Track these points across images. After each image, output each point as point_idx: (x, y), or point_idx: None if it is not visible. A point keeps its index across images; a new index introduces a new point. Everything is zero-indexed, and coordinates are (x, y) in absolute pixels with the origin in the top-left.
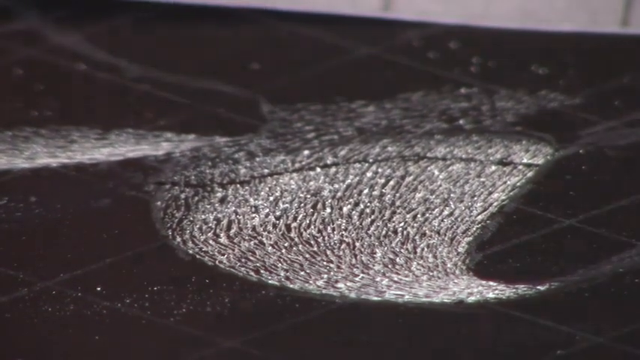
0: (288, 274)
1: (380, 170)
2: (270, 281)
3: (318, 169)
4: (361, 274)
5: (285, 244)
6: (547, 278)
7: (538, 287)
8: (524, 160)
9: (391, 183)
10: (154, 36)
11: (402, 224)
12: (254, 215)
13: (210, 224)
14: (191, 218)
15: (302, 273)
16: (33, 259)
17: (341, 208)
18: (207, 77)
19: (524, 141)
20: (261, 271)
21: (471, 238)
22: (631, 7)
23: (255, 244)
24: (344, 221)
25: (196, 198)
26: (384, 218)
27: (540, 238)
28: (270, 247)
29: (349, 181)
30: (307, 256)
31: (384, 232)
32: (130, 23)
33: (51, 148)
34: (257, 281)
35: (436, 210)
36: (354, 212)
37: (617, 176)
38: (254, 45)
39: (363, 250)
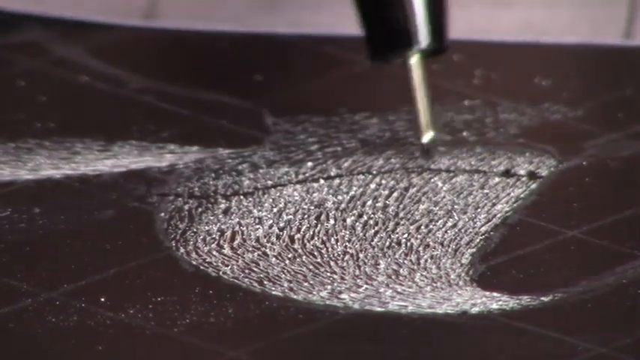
0: (291, 285)
1: (383, 182)
2: (273, 292)
3: (322, 181)
4: (365, 285)
5: (289, 256)
6: (550, 289)
7: (541, 298)
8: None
9: (395, 194)
10: (156, 47)
11: (405, 235)
12: (258, 226)
13: (213, 235)
14: (195, 229)
15: (305, 284)
16: (36, 270)
17: (344, 220)
18: (210, 89)
19: (527, 153)
20: (265, 282)
21: (474, 250)
22: (634, 20)
23: (258, 255)
24: (347, 232)
25: (200, 209)
26: (388, 229)
27: (544, 250)
28: (274, 258)
29: (353, 192)
30: (311, 267)
31: (387, 243)
32: (133, 35)
33: (54, 160)
34: (261, 292)
35: (440, 221)
36: (357, 224)
37: (620, 188)
38: (257, 56)
39: (366, 261)
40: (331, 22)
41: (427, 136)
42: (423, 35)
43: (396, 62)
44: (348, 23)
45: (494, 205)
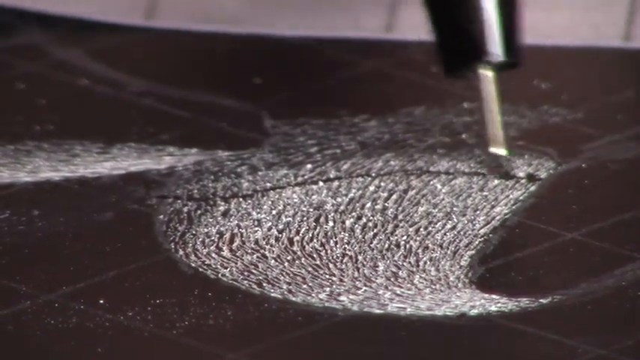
0: (290, 287)
1: (382, 184)
2: (272, 294)
3: (321, 183)
4: (364, 287)
5: (288, 258)
6: (549, 291)
7: (540, 300)
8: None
9: (394, 197)
10: (156, 50)
11: (404, 238)
12: (256, 229)
13: (212, 237)
14: (193, 232)
15: (304, 286)
16: (35, 272)
17: (343, 222)
18: (209, 91)
19: (526, 155)
20: (264, 284)
21: (473, 252)
22: (633, 22)
23: (257, 257)
24: (346, 235)
25: (199, 211)
26: (387, 232)
27: (543, 252)
28: (273, 261)
29: (352, 194)
30: (310, 269)
31: (386, 245)
32: (132, 38)
33: (53, 162)
34: (260, 294)
35: (439, 224)
36: (356, 226)
37: (620, 190)
38: (257, 58)
39: (365, 263)
40: (332, 24)
41: (500, 150)
42: (497, 49)
43: (470, 76)
44: (348, 25)
45: (493, 207)
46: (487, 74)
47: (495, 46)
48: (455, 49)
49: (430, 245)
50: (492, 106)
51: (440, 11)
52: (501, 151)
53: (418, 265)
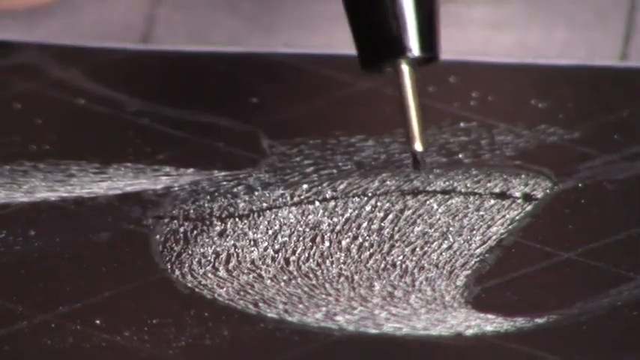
0: (286, 307)
1: (379, 204)
2: (268, 314)
3: (317, 203)
4: (360, 307)
5: (284, 278)
6: (545, 311)
7: (536, 320)
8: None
9: (390, 217)
10: (153, 70)
11: (400, 257)
12: (253, 249)
13: (208, 258)
14: (190, 252)
15: (300, 306)
16: (32, 293)
17: (340, 242)
18: (206, 111)
19: (523, 175)
20: (260, 304)
21: (469, 272)
22: (630, 41)
23: (253, 277)
24: (343, 255)
25: (195, 232)
26: (383, 252)
27: (539, 272)
28: (269, 281)
29: (348, 214)
30: (306, 289)
31: (382, 265)
32: (130, 57)
33: (49, 182)
34: (256, 314)
35: (435, 243)
36: (352, 246)
37: (616, 210)
38: (253, 78)
39: (361, 283)
40: (327, 42)
41: (418, 145)
42: (415, 43)
43: (387, 71)
44: (343, 44)
45: (489, 227)
46: (405, 69)
47: (413, 41)
48: (372, 43)
49: (426, 265)
50: (410, 102)
51: (357, 4)
52: (418, 147)
53: (414, 285)
